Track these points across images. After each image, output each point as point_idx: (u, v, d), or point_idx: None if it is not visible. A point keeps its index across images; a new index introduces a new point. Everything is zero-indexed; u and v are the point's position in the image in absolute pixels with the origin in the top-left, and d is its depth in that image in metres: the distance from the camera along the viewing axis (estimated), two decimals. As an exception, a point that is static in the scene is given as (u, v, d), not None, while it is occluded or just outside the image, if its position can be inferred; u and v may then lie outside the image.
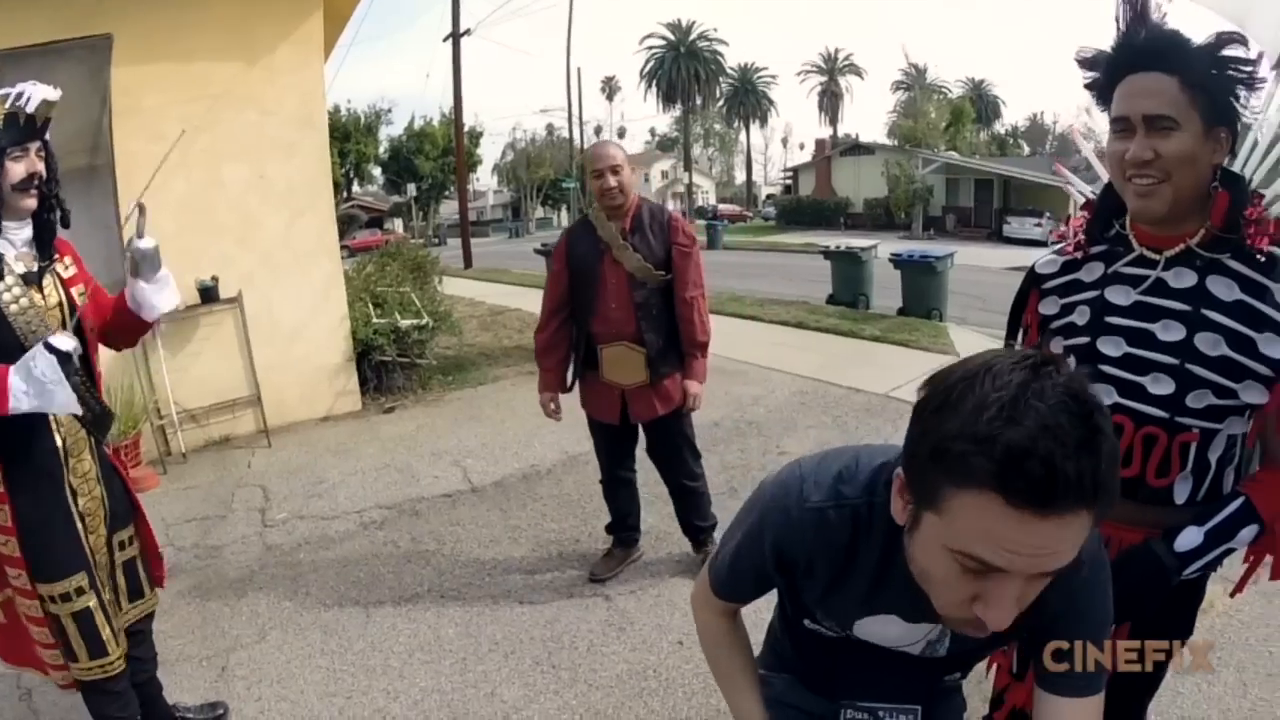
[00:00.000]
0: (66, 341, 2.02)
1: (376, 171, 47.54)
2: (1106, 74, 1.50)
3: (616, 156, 3.25)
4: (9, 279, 2.09)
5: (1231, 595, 1.82)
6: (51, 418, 2.13)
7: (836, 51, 68.34)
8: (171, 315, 5.51)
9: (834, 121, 67.95)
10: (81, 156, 5.29)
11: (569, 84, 32.73)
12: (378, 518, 4.41)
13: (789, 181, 54.73)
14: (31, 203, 2.12)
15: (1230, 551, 1.53)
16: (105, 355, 2.45)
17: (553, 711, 2.76)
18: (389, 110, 45.86)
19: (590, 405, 3.52)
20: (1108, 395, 1.56)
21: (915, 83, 63.67)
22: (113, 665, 2.29)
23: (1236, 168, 1.64)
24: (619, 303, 3.25)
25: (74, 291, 2.29)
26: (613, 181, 3.19)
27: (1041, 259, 1.77)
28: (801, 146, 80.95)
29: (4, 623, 2.26)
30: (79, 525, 2.24)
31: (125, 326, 2.47)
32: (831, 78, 67.63)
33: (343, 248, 14.91)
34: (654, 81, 60.97)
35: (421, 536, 4.15)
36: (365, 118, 44.30)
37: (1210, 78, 1.40)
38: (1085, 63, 1.56)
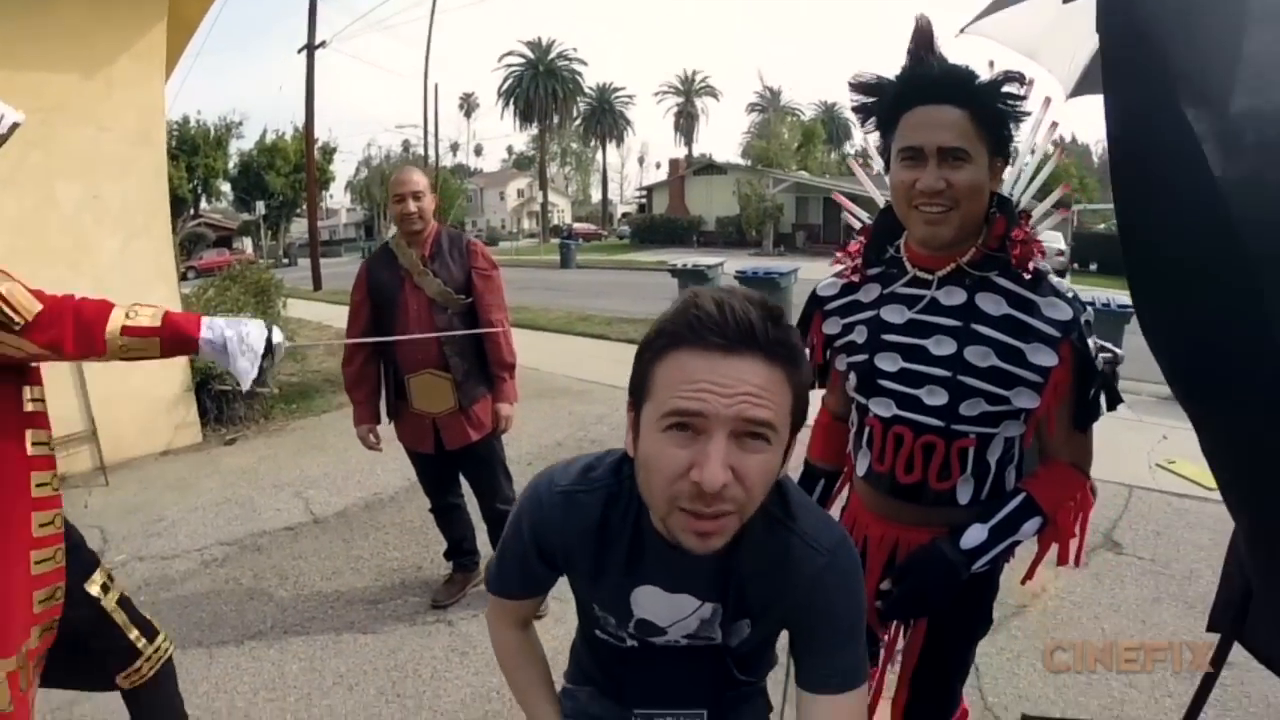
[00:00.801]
0: (279, 334, 2.09)
1: (226, 187, 45.33)
2: (893, 103, 1.56)
3: (418, 183, 3.27)
4: None
5: (1022, 583, 1.97)
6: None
7: (694, 73, 70.41)
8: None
9: (689, 141, 69.35)
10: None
11: (426, 100, 32.20)
12: (219, 555, 4.33)
13: (644, 200, 55.31)
14: None
15: (1016, 544, 1.63)
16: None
17: (398, 741, 2.78)
18: (240, 123, 43.63)
19: (404, 436, 3.52)
20: (887, 408, 1.68)
21: (769, 105, 65.48)
22: (169, 640, 2.21)
23: (1004, 191, 1.75)
24: (421, 329, 3.25)
25: None
26: (413, 207, 3.21)
27: (822, 282, 1.87)
28: (658, 166, 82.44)
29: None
30: None
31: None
32: (688, 99, 68.99)
33: (189, 268, 14.29)
34: (512, 99, 60.87)
35: (264, 572, 4.10)
36: (215, 130, 42.12)
37: (995, 112, 1.50)
38: (865, 88, 1.62)
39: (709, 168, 46.72)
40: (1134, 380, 7.57)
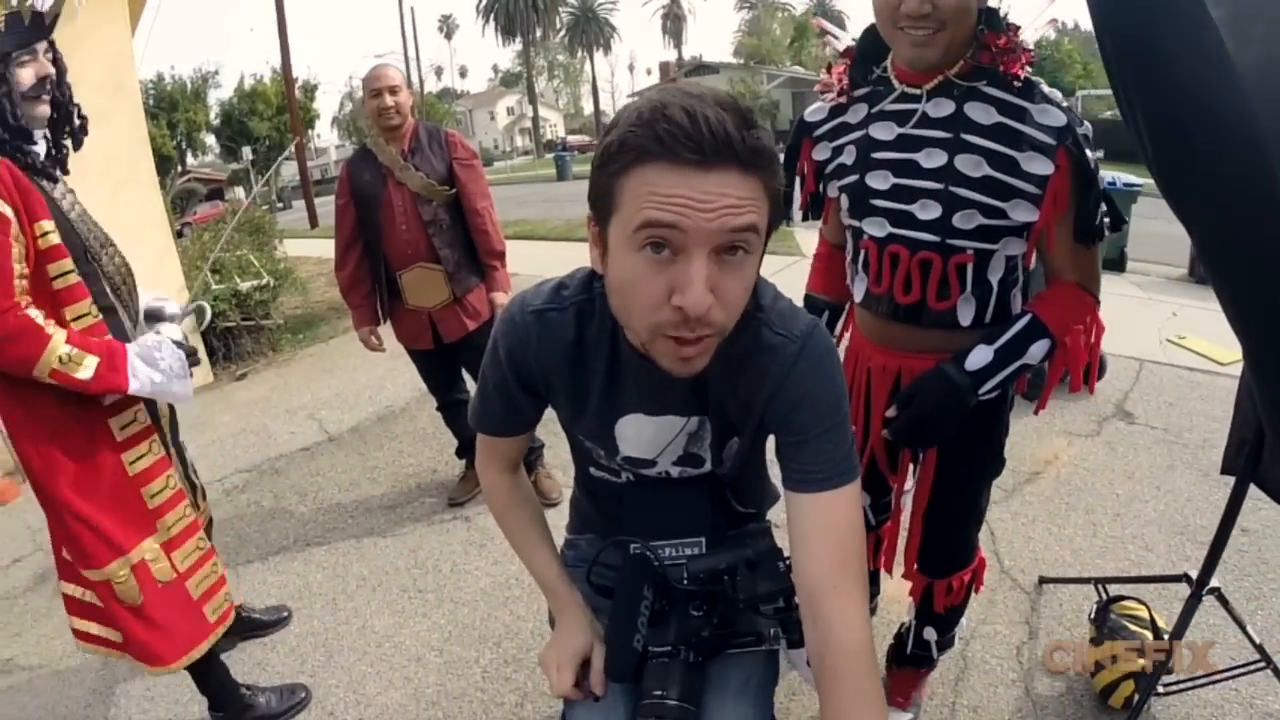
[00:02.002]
0: (177, 331, 2.05)
1: (210, 139, 44.60)
2: None
3: (394, 78, 3.23)
4: (59, 186, 1.97)
5: (1036, 413, 1.94)
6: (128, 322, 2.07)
7: (678, -27, 68.15)
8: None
9: (678, 44, 68.09)
10: None
11: (403, 26, 31.63)
12: (239, 482, 4.37)
13: (637, 107, 54.60)
14: (44, 109, 1.93)
15: (1025, 369, 1.60)
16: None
17: (423, 633, 2.86)
18: (216, 72, 42.87)
19: (402, 335, 3.52)
20: (880, 228, 1.63)
21: (759, 1, 64.02)
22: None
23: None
24: (408, 223, 3.25)
25: None
26: (389, 101, 3.17)
27: (810, 108, 1.81)
28: (648, 72, 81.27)
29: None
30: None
31: None
32: (674, 0, 67.39)
33: (184, 225, 14.06)
34: (491, 15, 59.31)
35: (283, 492, 4.15)
36: (191, 83, 41.30)
37: None
38: None
39: (701, 69, 46.06)
40: (1143, 261, 7.52)
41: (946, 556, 1.97)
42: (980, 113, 1.51)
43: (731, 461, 1.30)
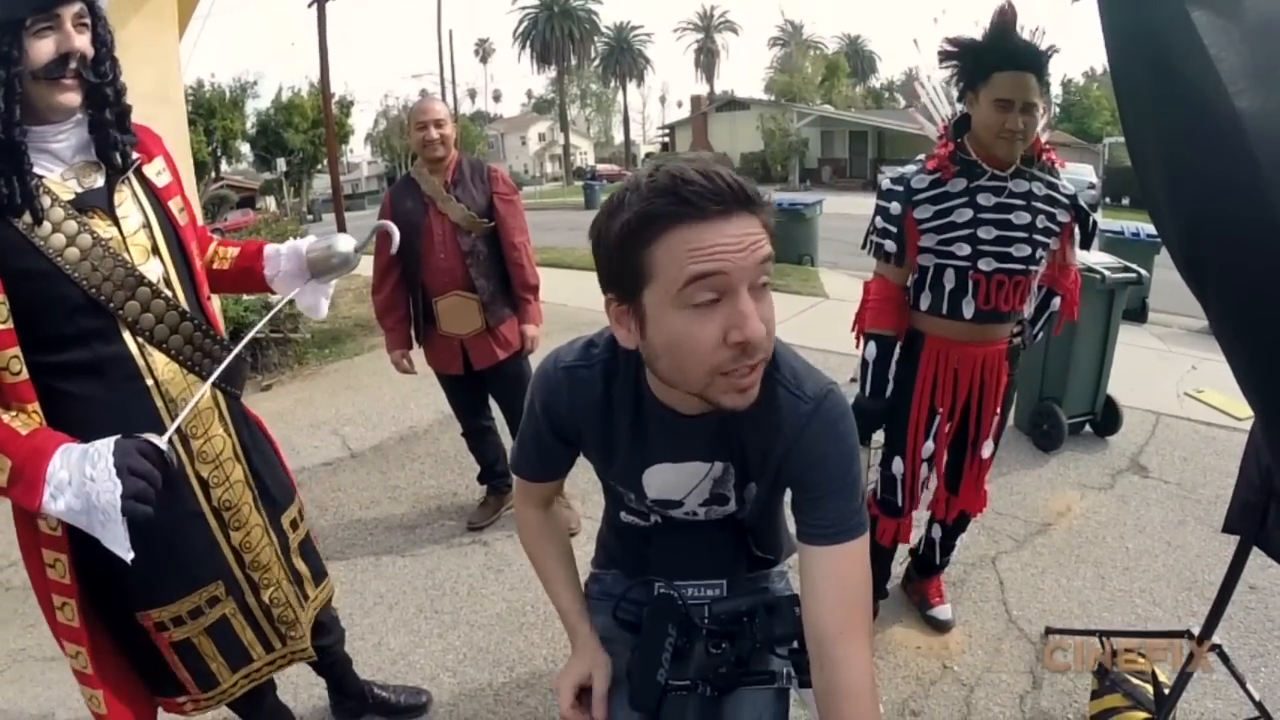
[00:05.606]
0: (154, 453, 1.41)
1: (245, 148, 44.95)
2: (984, 62, 2.24)
3: (440, 111, 3.36)
4: (54, 213, 1.45)
5: (1055, 334, 2.96)
6: (154, 390, 1.60)
7: (712, 9, 68.79)
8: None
9: (710, 78, 68.39)
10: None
11: (440, 48, 32.05)
12: (260, 492, 4.40)
13: (666, 139, 54.67)
14: (71, 96, 1.45)
15: (1054, 315, 2.67)
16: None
17: (438, 653, 2.90)
18: (255, 83, 43.10)
19: (433, 359, 3.60)
20: (989, 264, 2.37)
21: (791, 39, 64.53)
22: (261, 673, 1.93)
23: None
24: (447, 252, 3.34)
25: (172, 205, 1.70)
26: (434, 134, 3.28)
27: (914, 178, 2.44)
28: (680, 104, 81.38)
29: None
30: (211, 525, 1.73)
31: (242, 287, 2.06)
32: (708, 35, 67.97)
33: (215, 230, 14.23)
34: (528, 42, 60.26)
35: (304, 505, 4.17)
36: (231, 91, 41.76)
37: (1048, 70, 2.26)
38: (954, 49, 2.32)
39: (732, 104, 46.27)
40: (1164, 313, 7.53)
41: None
42: (1038, 188, 2.39)
43: (751, 504, 1.39)
